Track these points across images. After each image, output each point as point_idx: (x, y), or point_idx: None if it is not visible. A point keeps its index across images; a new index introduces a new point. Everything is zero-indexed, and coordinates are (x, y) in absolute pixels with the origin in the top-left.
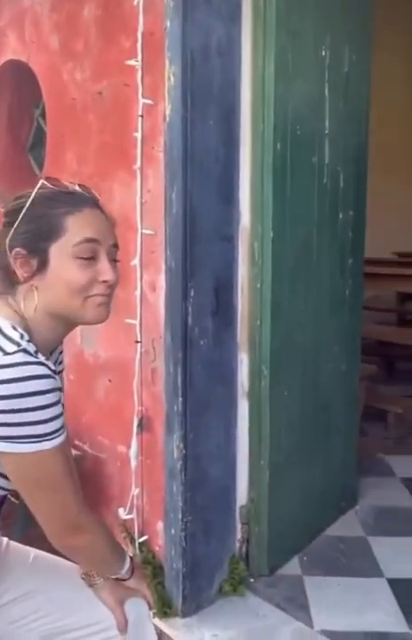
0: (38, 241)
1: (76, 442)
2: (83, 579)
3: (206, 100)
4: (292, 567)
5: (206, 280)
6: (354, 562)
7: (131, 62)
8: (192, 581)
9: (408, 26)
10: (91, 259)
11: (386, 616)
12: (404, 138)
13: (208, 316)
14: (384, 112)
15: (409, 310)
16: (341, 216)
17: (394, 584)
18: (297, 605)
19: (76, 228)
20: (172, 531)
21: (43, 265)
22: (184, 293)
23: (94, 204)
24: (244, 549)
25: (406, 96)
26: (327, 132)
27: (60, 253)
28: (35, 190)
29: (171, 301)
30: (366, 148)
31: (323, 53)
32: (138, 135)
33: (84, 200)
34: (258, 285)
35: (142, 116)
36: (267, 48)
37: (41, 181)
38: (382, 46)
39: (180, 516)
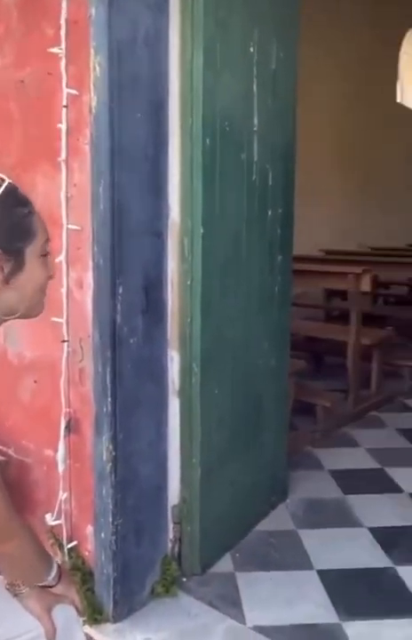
0: (14, 241)
1: (0, 447)
2: (7, 589)
3: (133, 92)
4: (225, 564)
5: (135, 277)
6: (285, 555)
7: (54, 50)
8: (123, 585)
9: (332, 20)
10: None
11: (317, 608)
12: (328, 136)
13: (137, 314)
14: (308, 110)
15: (336, 307)
16: (270, 213)
17: (324, 575)
18: (229, 602)
19: (40, 227)
20: (102, 534)
21: (19, 266)
22: (112, 291)
23: None
24: (176, 549)
25: (331, 92)
26: (255, 128)
27: (33, 253)
28: (3, 188)
29: (99, 299)
30: (294, 146)
31: (251, 49)
32: (63, 126)
33: (28, 198)
34: (189, 282)
35: (66, 107)
36: (195, 40)
37: (7, 181)
38: (305, 40)
39: (111, 519)
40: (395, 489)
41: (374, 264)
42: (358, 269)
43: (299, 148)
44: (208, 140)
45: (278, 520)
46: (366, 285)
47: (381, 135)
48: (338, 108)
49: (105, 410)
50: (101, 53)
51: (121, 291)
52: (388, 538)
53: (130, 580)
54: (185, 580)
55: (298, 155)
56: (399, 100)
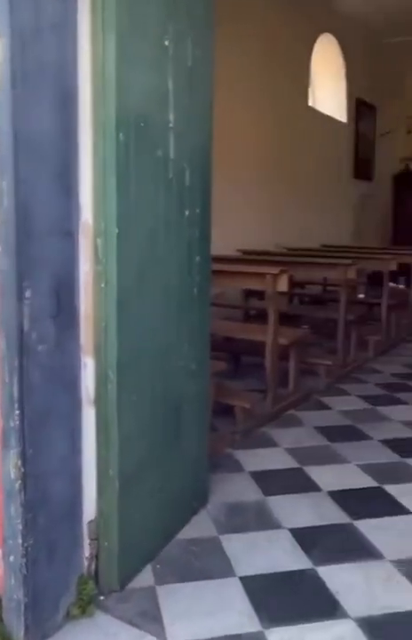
0: None
1: None
2: None
3: (39, 81)
4: (145, 577)
5: (44, 280)
6: (207, 564)
7: None
8: (35, 610)
9: (248, 22)
10: None
11: (240, 616)
12: (246, 138)
13: (47, 319)
14: (225, 111)
15: (253, 306)
16: (188, 213)
17: (246, 582)
18: (149, 618)
19: None
20: (11, 558)
21: None
22: (18, 295)
23: None
24: (93, 566)
25: (245, 90)
26: (171, 125)
27: None
28: None
29: (4, 303)
30: (210, 145)
31: (166, 43)
32: None
33: None
34: (103, 285)
35: None
36: (107, 29)
37: None
38: (222, 39)
39: (20, 541)
40: (314, 488)
41: (290, 264)
42: (275, 270)
43: (217, 147)
44: (121, 136)
45: (199, 526)
46: (283, 286)
47: (297, 137)
48: (253, 110)
49: (12, 423)
50: (3, 38)
51: (28, 294)
52: (308, 538)
53: (42, 604)
54: (102, 598)
55: (215, 155)
56: (310, 104)
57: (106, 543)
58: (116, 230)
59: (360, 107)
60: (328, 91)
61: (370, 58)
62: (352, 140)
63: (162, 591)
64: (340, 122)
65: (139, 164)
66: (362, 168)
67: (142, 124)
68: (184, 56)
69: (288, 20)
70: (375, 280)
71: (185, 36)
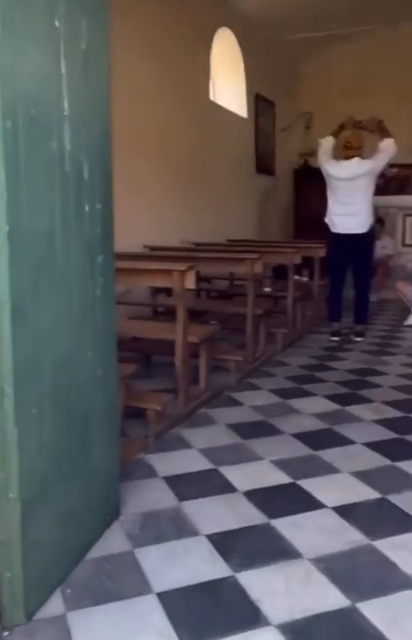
0: None
1: None
2: None
3: None
4: (54, 605)
5: None
6: (122, 582)
7: None
8: None
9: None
10: None
11: (159, 637)
12: (150, 131)
13: None
14: (130, 103)
15: (161, 303)
16: (87, 209)
17: (164, 598)
18: None
19: None
20: None
21: None
22: None
23: None
24: None
25: (143, 82)
26: (66, 113)
27: None
28: None
29: None
30: (109, 136)
31: (57, 24)
32: None
33: None
34: None
35: None
36: None
37: None
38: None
39: None
40: (229, 489)
41: (197, 259)
42: (182, 266)
43: (120, 142)
44: (9, 123)
45: (112, 541)
46: (190, 283)
47: (199, 132)
48: (152, 102)
49: None
50: None
51: None
52: (226, 543)
53: None
54: (6, 634)
55: (119, 148)
56: (211, 99)
57: (8, 574)
58: (6, 229)
59: (259, 102)
60: (229, 86)
61: (267, 54)
62: (252, 136)
63: (73, 618)
64: (241, 117)
65: (31, 156)
66: (264, 163)
67: (32, 112)
68: (77, 39)
69: (185, 10)
70: (280, 273)
71: (78, 17)
